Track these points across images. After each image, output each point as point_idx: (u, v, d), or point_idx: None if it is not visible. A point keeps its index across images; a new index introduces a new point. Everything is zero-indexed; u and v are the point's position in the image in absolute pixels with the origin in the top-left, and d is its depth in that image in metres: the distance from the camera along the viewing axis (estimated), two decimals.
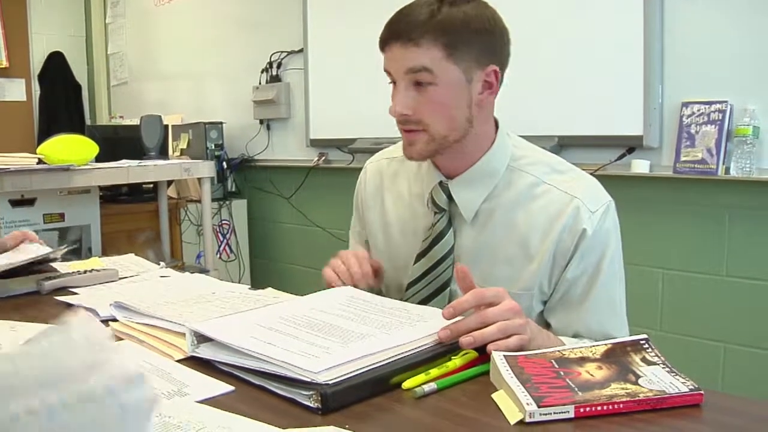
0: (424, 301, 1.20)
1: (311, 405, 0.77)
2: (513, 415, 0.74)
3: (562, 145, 2.45)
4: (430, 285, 1.22)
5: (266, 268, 3.91)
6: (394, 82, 1.16)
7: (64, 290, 1.38)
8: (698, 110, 2.15)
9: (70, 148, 2.59)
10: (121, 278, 1.47)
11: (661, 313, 2.38)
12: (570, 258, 1.15)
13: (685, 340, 2.32)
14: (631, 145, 2.31)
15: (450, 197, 1.21)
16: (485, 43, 1.14)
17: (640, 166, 2.29)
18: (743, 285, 2.19)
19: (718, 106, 2.11)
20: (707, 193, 2.22)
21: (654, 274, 2.37)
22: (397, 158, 1.34)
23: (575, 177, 1.20)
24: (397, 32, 1.12)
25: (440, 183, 1.22)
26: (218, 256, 3.69)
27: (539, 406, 0.73)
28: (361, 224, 1.42)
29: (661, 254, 2.35)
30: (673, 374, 0.81)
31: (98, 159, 2.74)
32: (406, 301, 1.21)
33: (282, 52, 3.59)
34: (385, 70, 1.16)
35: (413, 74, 1.11)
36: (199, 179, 3.14)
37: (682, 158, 2.17)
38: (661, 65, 2.24)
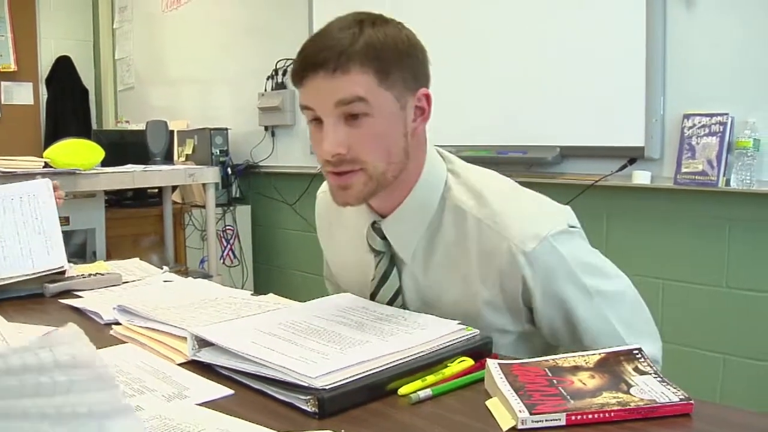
0: None
1: (308, 409, 0.78)
2: (506, 422, 0.76)
3: (564, 155, 2.47)
4: None
5: (269, 274, 3.93)
6: (315, 119, 1.02)
7: (68, 293, 1.40)
8: (699, 122, 2.16)
9: (76, 153, 2.62)
10: (124, 282, 1.49)
11: (661, 323, 2.34)
12: (525, 300, 1.06)
13: (684, 351, 2.33)
14: (632, 156, 2.32)
15: (384, 237, 1.12)
16: (413, 66, 1.03)
17: (641, 177, 2.30)
18: (743, 296, 2.20)
19: (719, 118, 2.12)
20: (708, 204, 2.23)
21: (654, 285, 2.38)
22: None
23: (507, 206, 1.07)
24: (318, 61, 0.98)
25: (373, 224, 1.12)
26: (222, 261, 3.71)
27: (531, 414, 0.75)
28: (325, 249, 1.36)
29: (662, 265, 2.36)
30: (664, 384, 0.82)
31: (104, 163, 2.77)
32: None
33: (287, 59, 3.62)
34: (303, 107, 1.03)
35: (344, 107, 0.98)
36: (204, 185, 3.17)
37: (683, 170, 2.19)
38: (663, 77, 2.26)
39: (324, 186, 1.28)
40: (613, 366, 0.87)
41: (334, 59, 0.97)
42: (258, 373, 0.84)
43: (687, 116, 2.19)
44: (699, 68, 2.19)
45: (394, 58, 1.00)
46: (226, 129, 3.81)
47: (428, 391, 0.83)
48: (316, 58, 0.98)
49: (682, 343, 2.34)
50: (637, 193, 2.38)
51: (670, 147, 2.26)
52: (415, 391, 0.83)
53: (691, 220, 2.29)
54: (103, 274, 1.50)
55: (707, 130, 2.14)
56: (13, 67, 4.81)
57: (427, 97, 1.06)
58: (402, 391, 0.84)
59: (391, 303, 1.14)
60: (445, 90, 2.30)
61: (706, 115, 2.15)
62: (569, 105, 2.46)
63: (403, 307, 1.13)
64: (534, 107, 2.55)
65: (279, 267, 3.90)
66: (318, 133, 1.02)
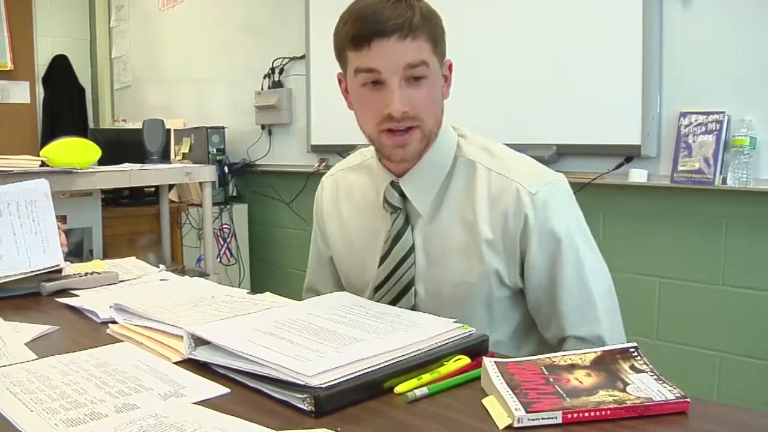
0: (392, 303, 1.21)
1: (305, 408, 0.78)
2: (502, 420, 0.76)
3: (561, 153, 2.47)
4: (395, 286, 1.23)
5: (266, 273, 3.93)
6: (375, 81, 1.11)
7: (65, 292, 1.39)
8: (696, 120, 2.17)
9: (72, 151, 2.61)
10: (121, 281, 1.49)
11: (658, 321, 2.39)
12: (522, 243, 1.15)
13: (681, 348, 2.33)
14: (629, 155, 2.33)
15: (402, 195, 1.21)
16: (442, 36, 1.15)
17: (637, 175, 2.31)
18: (740, 294, 2.21)
19: (716, 116, 2.13)
20: (704, 202, 2.24)
21: (651, 283, 2.38)
22: (352, 167, 1.35)
23: (515, 160, 1.21)
24: (389, 28, 1.07)
25: (391, 183, 1.22)
26: (219, 260, 3.71)
27: (527, 412, 0.75)
28: (323, 241, 1.41)
29: (658, 263, 2.37)
30: (660, 382, 0.82)
31: (101, 162, 2.76)
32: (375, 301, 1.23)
33: (284, 58, 3.62)
34: (365, 69, 1.11)
35: (411, 69, 1.09)
36: (201, 183, 3.16)
37: (680, 168, 2.19)
38: (660, 75, 2.26)
39: (333, 170, 1.40)
40: (609, 364, 0.87)
41: (406, 27, 1.07)
42: (254, 372, 0.84)
43: (683, 114, 2.20)
44: (695, 66, 2.19)
45: (441, 28, 1.14)
46: (223, 128, 3.80)
47: (424, 390, 0.83)
48: (386, 24, 1.07)
49: (678, 341, 2.34)
50: (633, 192, 2.38)
51: (666, 145, 2.26)
52: (411, 390, 0.83)
53: (688, 219, 2.29)
54: (99, 273, 1.49)
55: (704, 129, 2.15)
56: (9, 66, 4.80)
57: (450, 65, 1.18)
58: (398, 389, 0.84)
59: (403, 261, 1.21)
60: None
61: (703, 114, 2.15)
62: (566, 103, 2.46)
63: (413, 265, 1.21)
64: (531, 106, 2.56)
65: (276, 265, 3.90)
66: (374, 94, 1.12)
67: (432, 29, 1.11)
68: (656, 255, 2.37)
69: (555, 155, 2.46)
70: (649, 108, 2.27)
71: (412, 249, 1.21)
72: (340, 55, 1.18)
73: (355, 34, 1.10)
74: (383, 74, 1.10)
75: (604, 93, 2.37)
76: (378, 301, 1.23)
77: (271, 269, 3.92)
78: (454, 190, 1.20)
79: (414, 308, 1.22)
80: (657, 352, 2.35)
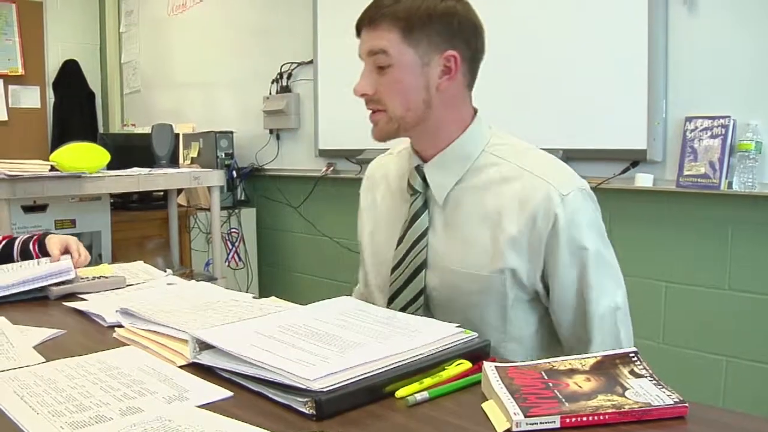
0: (406, 284, 1.26)
1: (306, 411, 0.79)
2: (501, 425, 0.77)
3: (567, 158, 2.46)
4: (408, 267, 1.26)
5: (274, 277, 3.95)
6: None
7: (73, 296, 1.41)
8: (701, 125, 2.17)
9: (82, 156, 2.64)
10: (128, 285, 1.50)
11: (664, 325, 2.39)
12: (549, 244, 1.16)
13: (687, 353, 2.33)
14: (635, 159, 2.33)
15: (425, 180, 1.25)
16: (443, 29, 1.18)
17: (643, 179, 2.31)
18: (746, 299, 2.20)
19: (721, 121, 2.13)
20: (710, 207, 2.24)
21: (657, 287, 2.38)
22: (393, 154, 1.40)
23: (547, 162, 1.23)
24: (363, 17, 1.20)
25: (417, 167, 1.26)
26: (227, 264, 3.73)
27: (526, 416, 0.76)
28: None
29: (664, 267, 2.37)
30: (659, 387, 0.83)
31: (110, 166, 2.79)
32: (390, 285, 1.28)
33: (292, 63, 3.64)
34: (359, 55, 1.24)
35: (373, 57, 1.19)
36: (209, 188, 3.19)
37: (686, 172, 2.19)
38: (665, 80, 2.26)
39: (378, 157, 1.46)
40: (608, 369, 0.87)
41: (372, 17, 1.19)
42: (257, 376, 0.85)
43: (689, 119, 2.20)
44: (701, 71, 2.19)
45: (422, 20, 1.16)
46: (231, 132, 3.83)
47: (425, 394, 0.84)
48: (363, 14, 1.21)
49: (684, 345, 2.34)
50: (639, 196, 2.38)
51: (672, 150, 2.27)
52: (412, 394, 0.84)
53: (694, 223, 2.29)
54: (107, 277, 1.51)
55: (709, 133, 2.15)
56: (20, 71, 4.84)
57: (455, 58, 1.19)
58: (399, 393, 0.85)
59: (417, 242, 1.25)
60: None
61: (708, 118, 2.15)
62: (572, 108, 2.47)
63: (425, 247, 1.24)
64: (537, 110, 2.56)
65: (284, 269, 3.91)
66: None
67: (405, 19, 1.16)
68: (662, 259, 2.37)
69: (561, 159, 2.45)
70: (654, 113, 2.27)
71: (426, 232, 1.25)
72: None
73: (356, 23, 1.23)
74: (363, 59, 1.22)
75: (610, 98, 2.37)
76: (392, 284, 1.27)
77: (279, 273, 3.93)
78: (480, 183, 1.22)
79: (427, 298, 1.25)
80: (663, 356, 2.35)
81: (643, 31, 2.26)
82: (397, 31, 1.16)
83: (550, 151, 2.42)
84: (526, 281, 1.19)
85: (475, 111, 1.28)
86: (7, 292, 1.37)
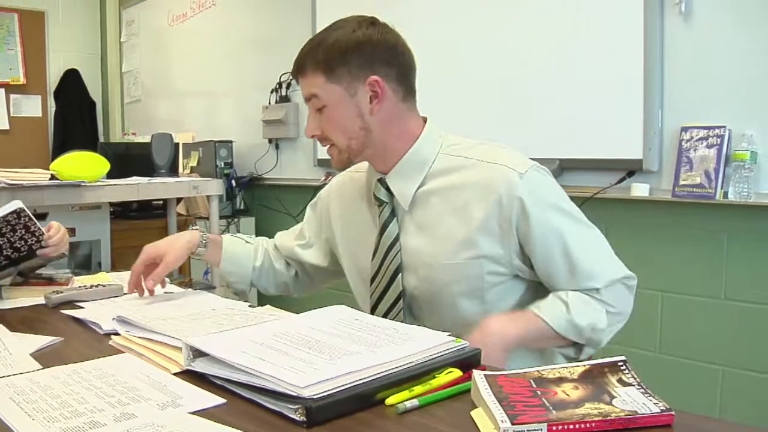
0: (385, 290, 1.33)
1: (297, 418, 0.80)
2: None
3: (563, 168, 2.49)
4: (385, 275, 1.32)
5: None
6: None
7: (70, 304, 1.42)
8: (697, 135, 2.18)
9: (82, 165, 2.65)
10: (125, 293, 1.51)
11: (660, 335, 2.39)
12: (519, 225, 1.23)
13: (683, 362, 2.34)
14: (630, 169, 2.35)
15: (389, 190, 1.33)
16: (360, 59, 1.25)
17: (639, 189, 2.32)
18: (742, 308, 2.21)
19: (717, 131, 2.14)
20: (706, 216, 2.25)
21: (653, 297, 2.39)
22: (360, 171, 1.45)
23: (499, 149, 1.31)
24: (293, 67, 1.32)
25: (379, 180, 1.34)
26: None
27: (513, 424, 0.76)
28: (320, 229, 1.55)
29: (660, 277, 2.37)
30: (647, 395, 0.84)
31: (110, 175, 2.80)
32: (371, 295, 1.34)
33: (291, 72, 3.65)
34: None
35: (309, 101, 1.30)
36: (208, 197, 3.20)
37: (681, 182, 2.20)
38: (661, 90, 2.28)
39: (343, 171, 1.52)
40: (596, 377, 0.88)
41: (297, 69, 1.31)
42: (249, 383, 0.86)
43: (685, 129, 2.21)
44: (696, 81, 2.21)
45: (339, 57, 1.25)
46: (231, 141, 3.84)
47: (415, 402, 0.85)
48: (294, 64, 1.31)
49: (680, 354, 2.34)
50: (635, 206, 2.39)
51: (668, 159, 2.28)
52: (402, 401, 0.85)
53: (690, 233, 2.30)
54: (104, 285, 1.52)
55: (705, 143, 2.16)
56: (22, 80, 4.87)
57: (377, 82, 1.26)
58: (389, 401, 0.86)
59: (390, 249, 1.32)
60: (444, 102, 2.34)
61: (704, 128, 2.17)
62: (568, 118, 2.48)
63: (399, 252, 1.32)
64: (533, 120, 2.58)
65: None
66: None
67: (324, 62, 1.25)
68: (658, 269, 2.38)
69: (558, 169, 2.47)
70: (650, 122, 2.28)
71: (397, 238, 1.32)
72: None
73: None
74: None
75: (606, 108, 2.39)
76: (372, 294, 1.34)
77: None
78: (442, 182, 1.30)
79: (407, 297, 1.32)
80: (659, 365, 2.36)
81: (638, 42, 2.28)
82: (320, 74, 1.25)
83: (547, 161, 2.46)
84: (503, 263, 1.26)
85: (425, 120, 1.35)
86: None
